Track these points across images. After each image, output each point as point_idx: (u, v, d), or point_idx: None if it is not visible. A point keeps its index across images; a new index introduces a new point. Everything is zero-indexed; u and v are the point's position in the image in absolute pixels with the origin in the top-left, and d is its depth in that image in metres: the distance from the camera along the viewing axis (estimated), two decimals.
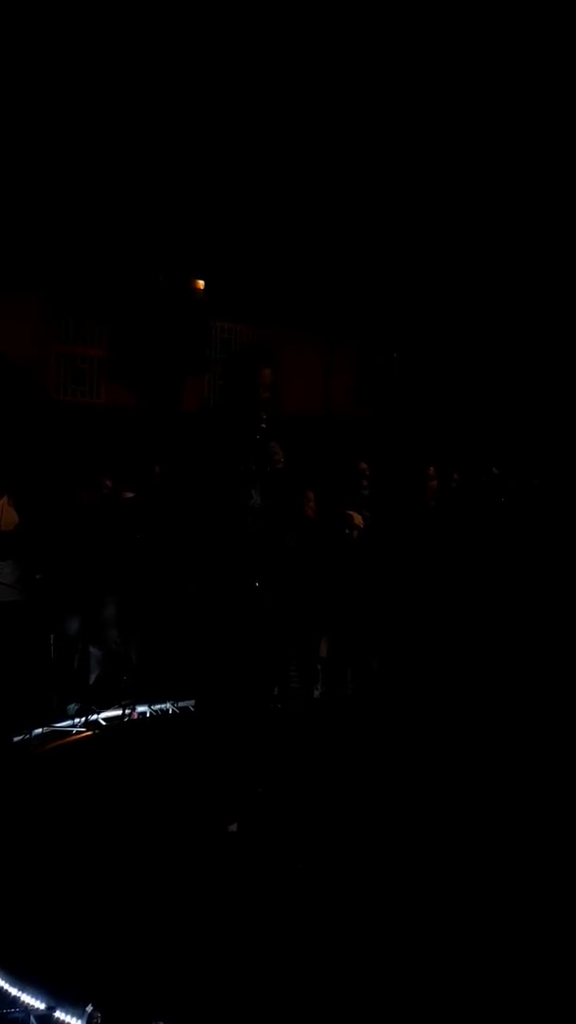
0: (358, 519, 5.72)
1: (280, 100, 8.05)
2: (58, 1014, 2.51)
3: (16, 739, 4.67)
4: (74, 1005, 2.47)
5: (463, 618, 5.27)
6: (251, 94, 7.97)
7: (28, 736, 4.72)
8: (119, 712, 5.21)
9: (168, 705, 5.44)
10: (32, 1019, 2.54)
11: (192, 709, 5.43)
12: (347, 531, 5.55)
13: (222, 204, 9.04)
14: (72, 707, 5.38)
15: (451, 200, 9.05)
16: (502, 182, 8.87)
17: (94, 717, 5.08)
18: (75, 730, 4.94)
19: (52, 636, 5.64)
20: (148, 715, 5.32)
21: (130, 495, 6.25)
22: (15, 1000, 2.61)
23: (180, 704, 5.45)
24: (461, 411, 9.97)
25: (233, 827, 3.45)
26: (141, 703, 5.27)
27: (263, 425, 4.06)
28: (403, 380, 10.60)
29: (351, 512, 5.63)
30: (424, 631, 5.07)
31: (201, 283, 10.35)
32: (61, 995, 2.53)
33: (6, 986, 2.66)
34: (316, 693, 5.20)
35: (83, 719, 5.04)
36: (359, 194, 9.14)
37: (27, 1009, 2.56)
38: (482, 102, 8.21)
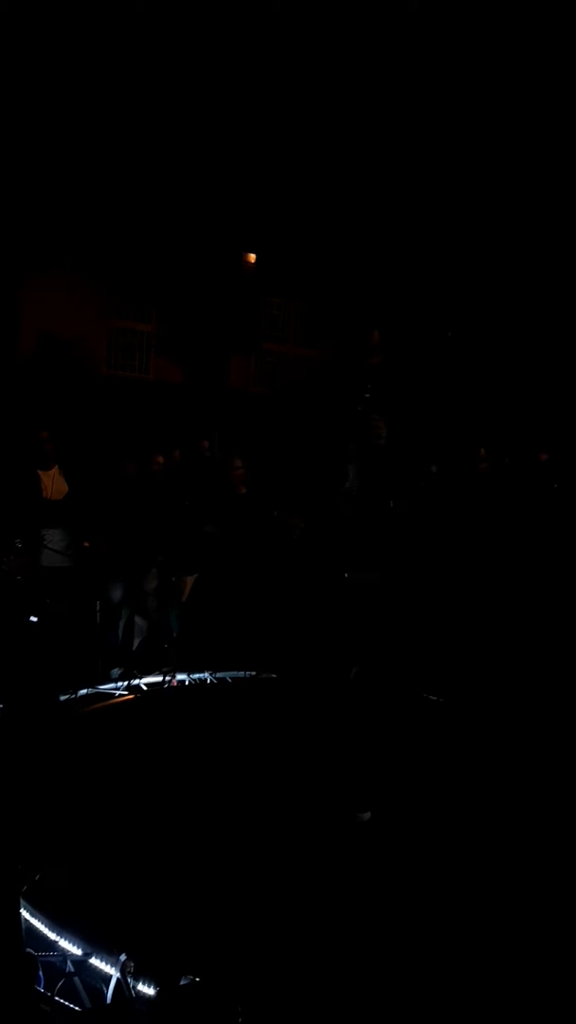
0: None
1: (328, 76, 7.97)
2: (93, 960, 2.61)
3: (63, 698, 4.81)
4: (108, 953, 2.56)
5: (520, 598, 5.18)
6: (298, 74, 7.90)
7: (74, 696, 4.86)
8: (160, 679, 5.32)
9: (207, 675, 5.52)
10: (69, 963, 2.64)
11: (229, 680, 5.51)
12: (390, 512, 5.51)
13: (273, 180, 8.97)
14: (115, 671, 5.51)
15: (503, 174, 8.83)
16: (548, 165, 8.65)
17: (136, 682, 5.20)
18: (118, 693, 5.07)
19: (98, 603, 5.77)
20: (187, 683, 5.42)
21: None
22: (53, 944, 2.72)
23: (218, 675, 5.54)
24: (512, 394, 9.75)
25: (367, 815, 3.41)
26: (181, 671, 5.36)
27: (367, 395, 3.86)
28: (457, 360, 10.39)
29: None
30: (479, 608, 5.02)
31: (252, 257, 10.28)
32: (96, 942, 2.62)
33: (45, 931, 2.77)
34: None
35: (125, 683, 5.17)
36: (411, 168, 8.97)
37: (64, 954, 2.67)
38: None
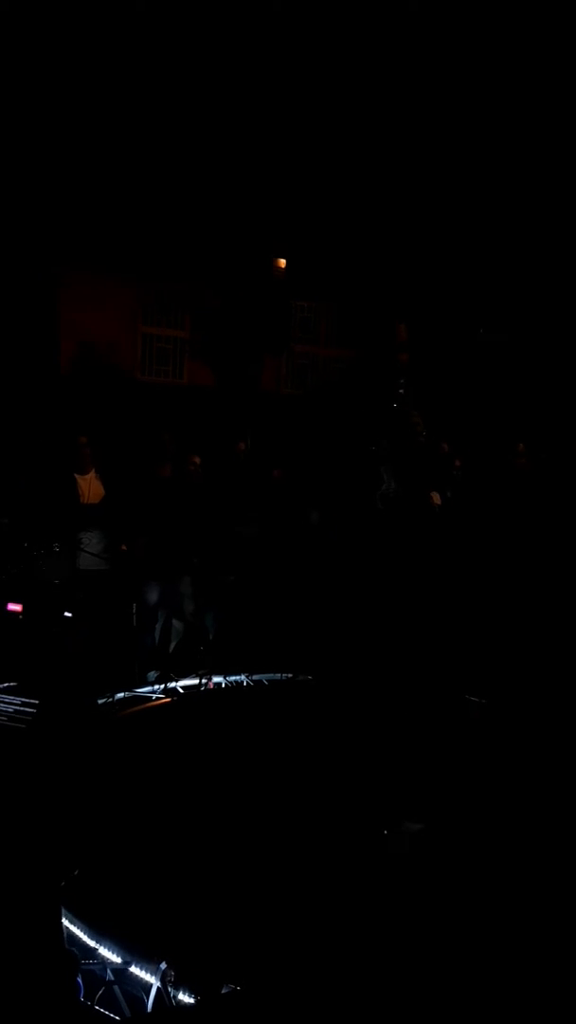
0: (437, 499, 5.58)
1: (359, 82, 7.94)
2: (133, 969, 2.57)
3: (100, 701, 4.81)
4: (148, 961, 2.52)
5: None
6: (328, 78, 7.88)
7: (111, 699, 4.85)
8: (196, 681, 5.29)
9: (243, 677, 5.48)
10: (108, 972, 2.60)
11: (265, 683, 5.45)
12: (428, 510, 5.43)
13: (302, 184, 8.96)
14: (152, 674, 5.50)
15: (535, 170, 8.70)
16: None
17: (172, 685, 5.18)
18: (154, 696, 5.05)
19: (134, 605, 5.77)
20: (223, 686, 5.38)
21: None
22: (93, 952, 2.68)
23: (254, 677, 5.49)
24: (547, 391, 9.57)
25: (417, 827, 3.29)
26: (217, 674, 5.33)
27: (401, 391, 3.77)
28: (488, 358, 10.24)
29: (432, 492, 5.51)
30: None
31: (283, 262, 10.29)
32: (136, 951, 2.58)
33: (86, 939, 2.74)
34: None
35: (162, 686, 5.15)
36: (438, 170, 8.89)
37: (104, 962, 2.63)
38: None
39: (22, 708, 3.89)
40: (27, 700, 3.97)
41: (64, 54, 6.97)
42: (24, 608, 4.77)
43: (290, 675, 5.48)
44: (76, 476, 6.06)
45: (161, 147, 8.30)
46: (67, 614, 4.91)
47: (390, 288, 10.18)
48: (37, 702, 3.92)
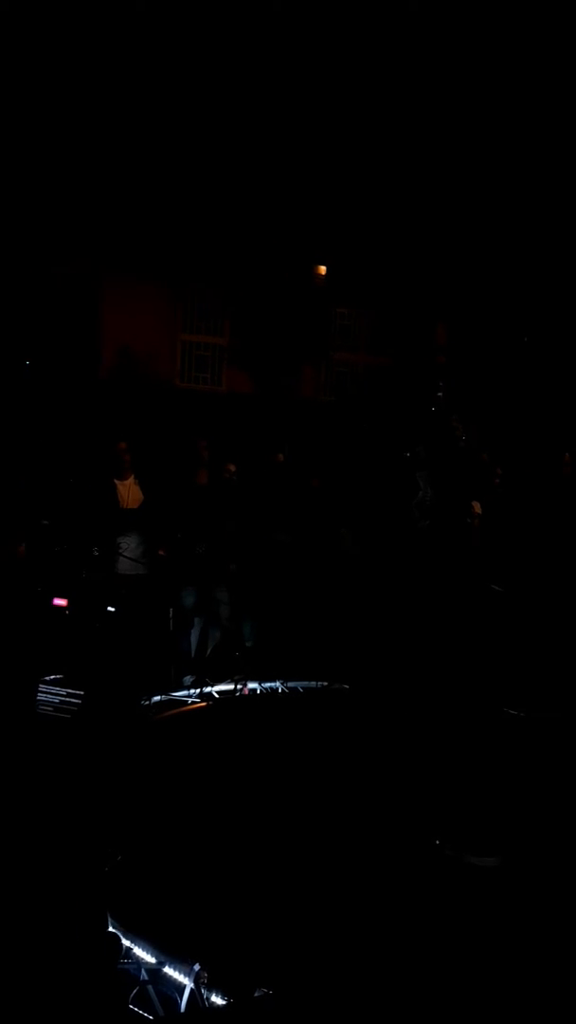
0: (478, 507, 5.52)
1: (397, 90, 7.93)
2: (167, 969, 2.58)
3: (137, 705, 4.86)
4: (182, 962, 2.53)
5: None
6: (366, 86, 7.89)
7: (148, 703, 4.90)
8: (231, 687, 5.31)
9: (278, 684, 5.48)
10: (143, 972, 2.63)
11: (300, 690, 5.45)
12: (467, 519, 5.39)
13: (342, 190, 8.99)
14: (188, 679, 5.54)
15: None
16: None
17: (208, 689, 5.21)
18: (190, 700, 5.09)
19: (171, 610, 5.82)
20: (259, 692, 5.39)
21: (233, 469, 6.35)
22: (128, 952, 2.71)
23: (289, 684, 5.49)
24: None
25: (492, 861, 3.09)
26: (252, 680, 5.34)
27: (440, 394, 3.70)
28: (535, 365, 10.10)
29: (473, 501, 5.46)
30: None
31: (323, 269, 10.32)
32: (171, 952, 2.60)
33: (121, 939, 2.76)
34: None
35: (198, 691, 5.18)
36: (477, 176, 8.83)
37: (139, 962, 2.65)
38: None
39: (67, 699, 3.96)
40: (72, 691, 4.05)
41: (103, 69, 7.12)
42: (69, 603, 4.87)
43: (325, 683, 5.47)
44: (115, 481, 6.15)
45: (203, 158, 8.42)
46: (110, 608, 5.00)
47: (430, 294, 10.15)
48: (81, 692, 3.99)
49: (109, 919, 2.79)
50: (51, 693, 3.95)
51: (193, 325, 10.35)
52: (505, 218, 9.18)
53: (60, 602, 4.90)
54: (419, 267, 9.82)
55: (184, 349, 10.35)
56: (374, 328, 11.34)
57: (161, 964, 2.60)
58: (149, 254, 9.03)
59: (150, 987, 2.55)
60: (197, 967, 2.47)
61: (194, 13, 7.14)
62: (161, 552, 5.90)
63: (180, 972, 2.53)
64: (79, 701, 3.89)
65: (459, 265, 9.72)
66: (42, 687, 3.95)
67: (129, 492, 6.26)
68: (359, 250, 9.67)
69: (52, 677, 4.25)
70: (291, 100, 8.07)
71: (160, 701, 4.95)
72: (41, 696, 4.05)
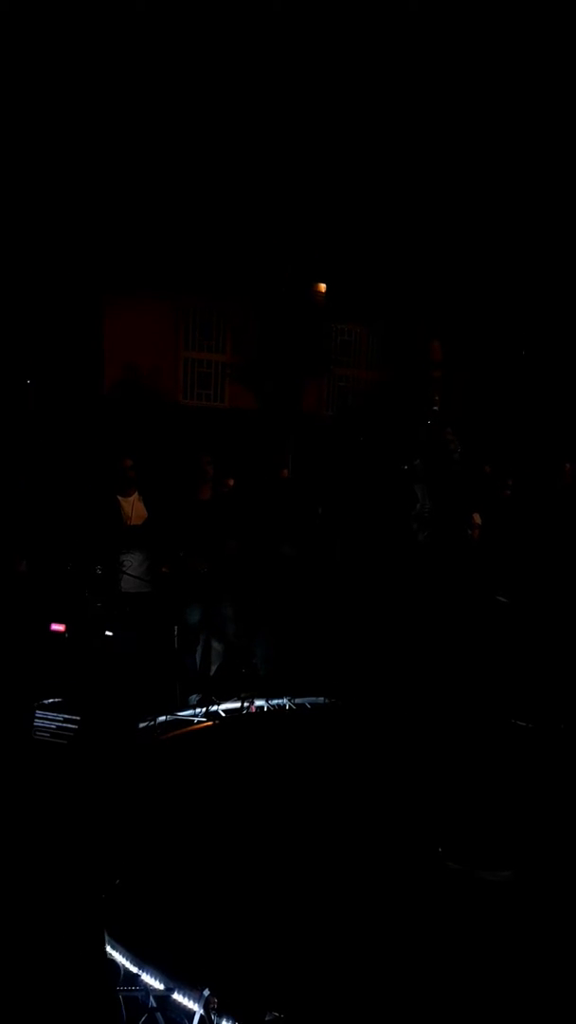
0: (478, 519, 5.50)
1: (396, 107, 7.99)
2: (176, 996, 2.53)
3: (142, 725, 4.81)
4: (191, 988, 2.48)
5: None
6: (363, 102, 7.95)
7: (153, 723, 4.85)
8: (238, 704, 5.26)
9: (285, 701, 5.43)
10: (151, 999, 2.57)
11: (308, 706, 5.39)
12: (468, 531, 5.36)
13: (341, 208, 9.06)
14: (194, 697, 5.48)
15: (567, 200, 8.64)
16: None
17: (214, 708, 5.16)
18: (196, 720, 5.04)
19: (176, 627, 5.78)
20: (266, 709, 5.34)
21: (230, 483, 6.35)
22: (136, 979, 2.65)
23: (297, 700, 5.44)
24: None
25: (505, 874, 3.01)
26: (259, 697, 5.29)
27: (435, 408, 3.72)
28: (532, 377, 10.14)
29: (474, 513, 5.44)
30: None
31: (323, 286, 10.39)
32: (179, 978, 2.55)
33: (128, 965, 2.71)
34: None
35: (204, 709, 5.13)
36: (478, 192, 8.89)
37: (147, 989, 2.59)
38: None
39: (64, 724, 3.91)
40: (69, 716, 4.00)
41: (103, 84, 7.18)
42: (67, 628, 4.83)
43: (334, 699, 5.42)
44: (119, 498, 6.14)
45: (204, 176, 8.49)
46: (108, 633, 4.96)
47: (429, 310, 10.20)
48: (78, 718, 3.95)
49: (116, 945, 2.73)
50: (48, 719, 3.90)
51: (195, 342, 10.41)
52: (503, 232, 9.23)
53: (58, 627, 4.87)
54: (417, 282, 9.88)
55: (186, 366, 10.40)
56: (375, 344, 11.41)
57: (170, 990, 2.54)
58: (151, 271, 9.09)
59: (159, 1014, 2.49)
60: (207, 992, 2.41)
61: (192, 34, 7.21)
62: (165, 569, 5.88)
63: (189, 998, 2.48)
64: (76, 727, 3.84)
65: (457, 279, 9.78)
66: (39, 713, 3.90)
67: (133, 508, 6.25)
68: (358, 267, 9.74)
69: (50, 701, 4.20)
70: (292, 118, 8.14)
71: (165, 721, 4.90)
72: (38, 722, 4.00)
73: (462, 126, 8.18)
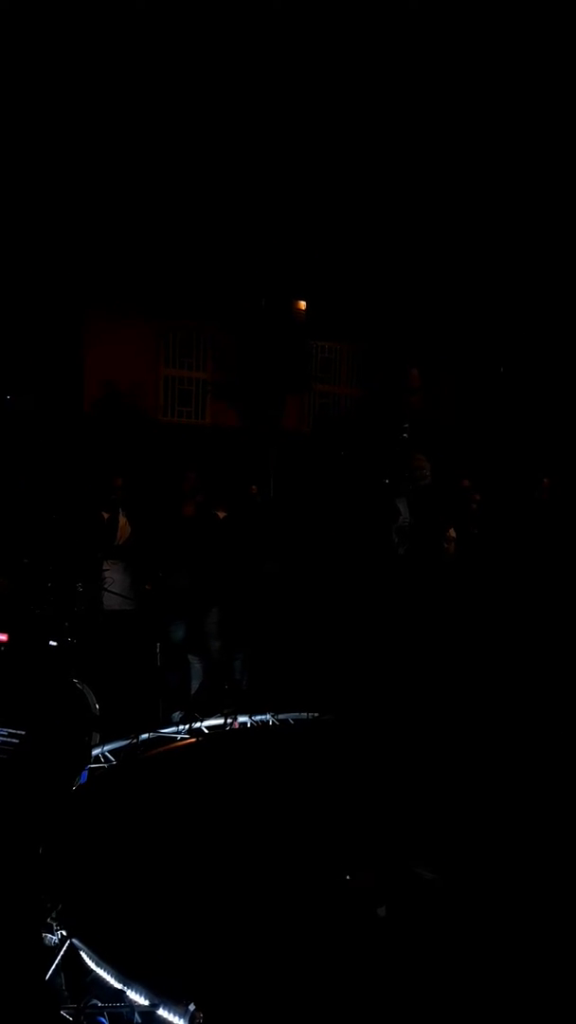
0: (452, 533, 5.58)
1: (377, 126, 8.13)
2: (161, 1011, 2.52)
3: (124, 743, 4.80)
4: (177, 1003, 2.48)
5: None
6: (347, 123, 8.07)
7: (135, 740, 4.83)
8: (221, 721, 5.26)
9: (268, 717, 5.43)
10: (136, 1015, 2.56)
11: (291, 722, 5.41)
12: (443, 544, 5.45)
13: (320, 227, 9.20)
14: (177, 715, 5.48)
15: (556, 212, 8.82)
16: None
17: (197, 725, 5.15)
18: (179, 737, 5.03)
19: (158, 645, 5.79)
20: (249, 725, 5.34)
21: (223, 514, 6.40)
22: (120, 995, 2.64)
23: (280, 716, 5.45)
24: (567, 425, 9.59)
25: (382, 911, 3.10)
26: (242, 714, 5.29)
27: (405, 435, 3.82)
28: (511, 394, 10.33)
29: (449, 527, 5.53)
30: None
31: (303, 304, 10.53)
32: (164, 993, 2.55)
33: (113, 981, 2.70)
34: None
35: (187, 726, 5.12)
36: (457, 213, 9.07)
37: (132, 1005, 2.59)
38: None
39: (7, 739, 3.86)
40: (13, 731, 3.93)
41: (85, 104, 7.24)
42: (10, 638, 4.75)
43: (317, 714, 5.44)
44: (104, 515, 6.17)
45: (183, 193, 8.59)
46: (52, 643, 4.89)
47: (407, 328, 10.38)
48: (23, 732, 3.90)
49: (100, 962, 2.73)
50: None
51: (176, 360, 10.48)
52: (484, 251, 9.42)
53: (1, 637, 4.76)
54: (397, 301, 10.05)
55: (167, 383, 10.47)
56: (355, 361, 11.57)
57: (155, 1006, 2.54)
58: (132, 289, 9.17)
59: None
60: (192, 1007, 2.42)
61: (176, 58, 7.30)
62: (148, 587, 5.90)
63: (174, 1014, 2.48)
64: (18, 741, 3.78)
65: (437, 297, 9.96)
66: None
67: (120, 526, 6.29)
68: (337, 285, 9.90)
69: None
70: (272, 136, 8.25)
71: (148, 739, 4.88)
72: None
73: (445, 143, 8.33)
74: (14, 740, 3.69)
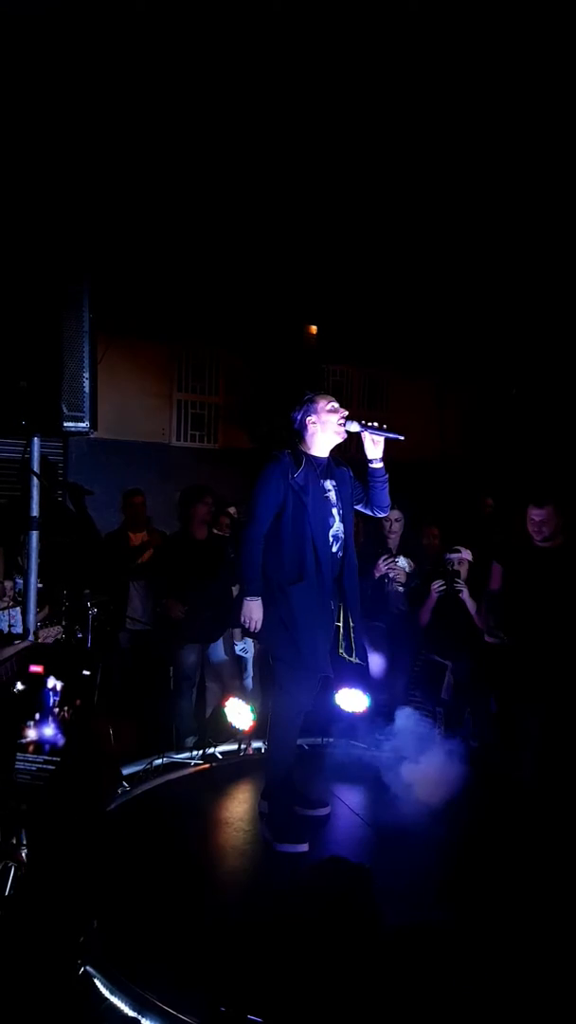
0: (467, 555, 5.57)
1: (389, 147, 8.17)
2: (144, 1022, 2.55)
3: (138, 768, 4.77)
4: (160, 1015, 2.48)
5: None
6: (358, 146, 8.13)
7: (148, 765, 4.81)
8: (235, 747, 5.22)
9: None
10: None
11: (305, 748, 5.36)
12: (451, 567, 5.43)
13: (333, 249, 9.27)
14: (190, 739, 5.44)
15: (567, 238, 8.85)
16: None
17: (211, 750, 5.11)
18: (193, 762, 4.99)
19: (171, 668, 5.76)
20: (263, 751, 5.29)
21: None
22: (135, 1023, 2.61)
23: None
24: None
25: None
26: (256, 739, 5.25)
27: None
28: (523, 418, 10.33)
29: (458, 547, 5.54)
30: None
31: (314, 328, 10.62)
32: (147, 1007, 2.56)
33: (127, 1009, 2.68)
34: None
35: (200, 752, 5.08)
36: (469, 235, 9.12)
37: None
38: None
39: (45, 766, 3.85)
40: (50, 758, 3.92)
41: (86, 121, 7.26)
42: (45, 668, 4.77)
43: (330, 739, 5.39)
44: (130, 534, 6.24)
45: (197, 222, 8.69)
46: (85, 672, 4.90)
47: (422, 350, 10.43)
48: (58, 760, 3.89)
49: (114, 990, 2.70)
50: (28, 761, 3.84)
51: (188, 384, 10.57)
52: (493, 272, 9.45)
53: (36, 669, 4.79)
54: (410, 324, 10.11)
55: (179, 408, 10.55)
56: (367, 385, 11.65)
57: (138, 1018, 2.54)
58: (144, 317, 9.27)
59: None
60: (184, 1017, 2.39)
61: (172, 78, 7.29)
62: (158, 609, 5.89)
63: None
64: (55, 768, 3.79)
65: (447, 318, 10.00)
66: (19, 755, 3.83)
67: (142, 545, 6.37)
68: (349, 309, 9.97)
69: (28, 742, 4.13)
70: (286, 162, 8.29)
71: (162, 764, 4.85)
72: (19, 764, 3.93)
73: (452, 162, 8.34)
74: (50, 767, 3.70)
